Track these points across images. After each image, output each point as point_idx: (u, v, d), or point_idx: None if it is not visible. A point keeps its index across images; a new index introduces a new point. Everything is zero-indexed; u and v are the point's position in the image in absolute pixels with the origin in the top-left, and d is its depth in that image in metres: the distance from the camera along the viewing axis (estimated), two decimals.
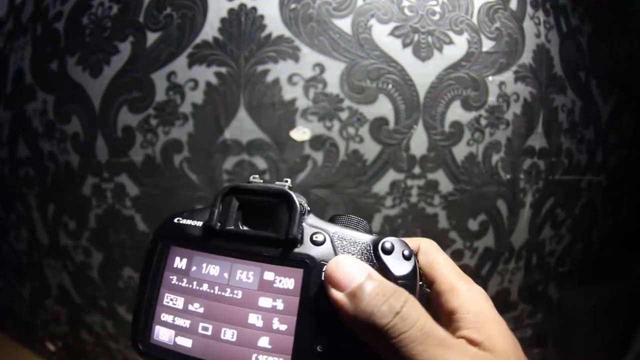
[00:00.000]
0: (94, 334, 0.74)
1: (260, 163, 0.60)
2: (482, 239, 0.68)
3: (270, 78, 0.59)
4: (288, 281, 0.20)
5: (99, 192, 0.65)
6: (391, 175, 0.62)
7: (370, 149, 0.61)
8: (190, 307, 0.21)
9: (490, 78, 0.64)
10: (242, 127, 0.60)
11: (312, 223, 0.21)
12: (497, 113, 0.65)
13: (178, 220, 0.23)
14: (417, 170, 0.62)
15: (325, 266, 0.20)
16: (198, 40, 0.60)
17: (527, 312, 0.78)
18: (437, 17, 0.62)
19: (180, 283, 0.22)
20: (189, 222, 0.22)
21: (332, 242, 0.21)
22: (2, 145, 0.76)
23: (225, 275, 0.21)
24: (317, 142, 0.60)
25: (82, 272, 0.69)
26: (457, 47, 0.62)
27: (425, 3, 0.62)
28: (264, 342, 0.20)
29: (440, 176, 0.63)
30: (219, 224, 0.21)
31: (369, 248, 0.21)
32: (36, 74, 0.70)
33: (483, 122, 0.64)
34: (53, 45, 0.68)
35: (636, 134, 0.84)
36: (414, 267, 0.20)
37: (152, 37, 0.61)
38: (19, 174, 0.73)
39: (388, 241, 0.20)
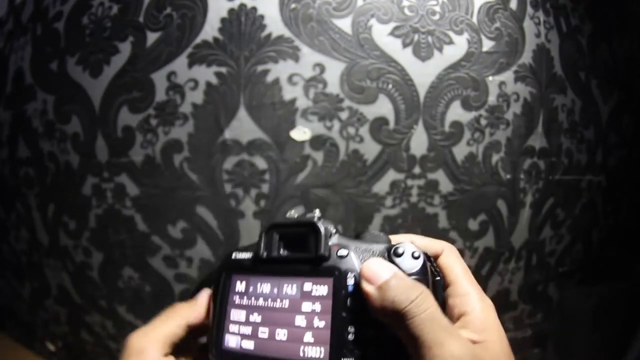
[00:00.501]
0: (94, 334, 0.74)
1: (261, 163, 0.60)
2: (482, 239, 0.68)
3: (270, 78, 0.59)
4: (322, 288, 0.26)
5: (99, 192, 0.65)
6: (391, 175, 0.62)
7: (370, 149, 0.61)
8: (250, 318, 0.27)
9: (490, 78, 0.64)
10: (242, 127, 0.60)
11: (337, 242, 0.27)
12: (497, 113, 0.65)
13: (235, 255, 0.29)
14: (417, 170, 0.62)
15: (349, 273, 0.25)
16: (198, 40, 0.60)
17: (527, 312, 0.78)
18: (437, 17, 0.62)
19: (242, 301, 0.28)
20: (243, 255, 0.29)
21: (353, 254, 0.26)
22: (2, 145, 0.76)
23: (275, 290, 0.27)
24: (317, 142, 0.60)
25: (82, 272, 0.69)
26: (457, 47, 0.62)
27: (425, 3, 0.62)
28: (308, 337, 0.25)
29: (440, 176, 0.64)
30: (265, 252, 0.28)
31: (384, 254, 0.26)
32: (36, 74, 0.70)
33: (483, 122, 0.64)
34: (53, 45, 0.68)
35: (636, 134, 0.84)
36: (423, 265, 0.25)
37: (152, 37, 0.61)
38: (19, 174, 0.73)
39: (399, 247, 0.26)
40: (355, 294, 0.25)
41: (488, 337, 0.24)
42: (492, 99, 0.65)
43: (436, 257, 0.28)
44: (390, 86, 0.61)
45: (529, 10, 0.68)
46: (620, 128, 0.81)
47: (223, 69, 0.59)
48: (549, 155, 0.71)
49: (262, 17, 0.59)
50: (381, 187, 0.62)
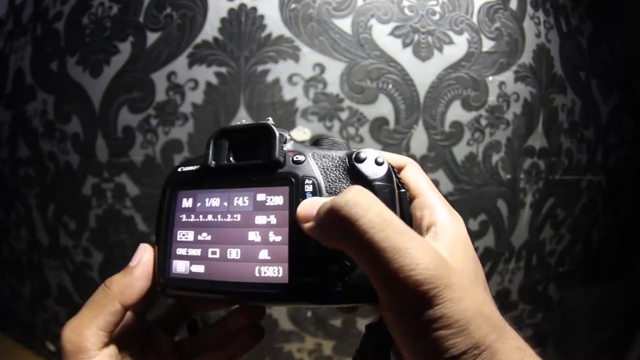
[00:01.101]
0: None
1: None
2: (482, 239, 0.68)
3: (270, 78, 0.59)
4: (277, 198, 0.23)
5: (99, 192, 0.65)
6: None
7: None
8: (199, 237, 0.24)
9: (490, 78, 0.64)
10: None
11: (292, 148, 0.24)
12: (497, 113, 0.65)
13: (181, 169, 0.26)
14: None
15: (306, 180, 0.23)
16: (198, 40, 0.60)
17: (527, 312, 0.78)
18: (437, 17, 0.62)
19: (189, 219, 0.25)
20: (189, 167, 0.26)
21: (311, 160, 0.23)
22: (2, 145, 0.76)
23: (225, 204, 0.24)
24: None
25: (82, 272, 0.69)
26: (457, 47, 0.62)
27: (425, 3, 0.62)
28: (263, 254, 0.22)
29: (440, 176, 0.63)
30: (213, 162, 0.25)
31: (344, 160, 0.23)
32: (36, 74, 0.70)
33: (483, 122, 0.64)
34: (53, 45, 0.68)
35: (636, 134, 0.84)
36: (388, 171, 0.22)
37: (152, 37, 0.61)
38: (19, 174, 0.73)
39: (361, 152, 0.23)
40: None
41: (458, 248, 0.21)
42: (492, 99, 0.65)
43: (399, 171, 0.25)
44: (390, 86, 0.61)
45: (529, 10, 0.68)
46: (620, 128, 0.81)
47: (223, 69, 0.59)
48: (549, 155, 0.71)
49: (262, 17, 0.59)
50: None
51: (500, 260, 0.71)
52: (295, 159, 0.23)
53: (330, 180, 0.23)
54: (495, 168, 0.66)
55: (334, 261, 0.21)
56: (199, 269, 0.24)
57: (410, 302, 0.17)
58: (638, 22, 0.84)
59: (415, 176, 0.25)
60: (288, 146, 0.24)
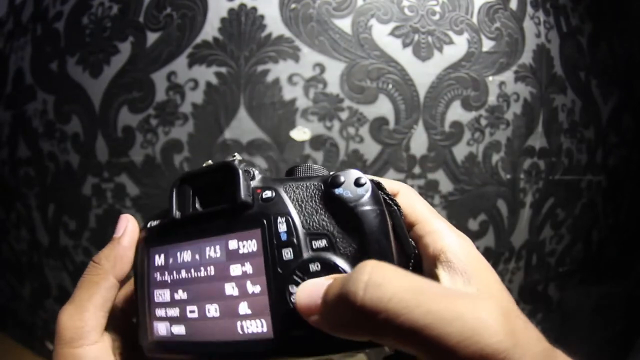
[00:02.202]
0: None
1: (261, 163, 0.60)
2: (482, 239, 0.68)
3: (270, 78, 0.59)
4: (251, 244, 0.20)
5: (99, 192, 0.65)
6: (391, 175, 0.62)
7: (370, 149, 0.61)
8: (175, 296, 0.22)
9: (490, 78, 0.64)
10: (242, 127, 0.60)
11: (261, 184, 0.21)
12: (497, 113, 0.65)
13: (150, 224, 0.24)
14: (417, 170, 0.62)
15: (279, 218, 0.20)
16: (198, 40, 0.60)
17: (527, 312, 0.78)
18: (437, 17, 0.62)
19: (163, 277, 0.23)
20: (157, 221, 0.24)
21: (283, 194, 0.21)
22: (2, 145, 0.76)
23: (197, 256, 0.22)
24: (317, 142, 0.60)
25: (82, 272, 0.69)
26: (457, 47, 0.62)
27: (425, 3, 0.62)
28: (243, 308, 0.20)
29: (440, 176, 0.63)
30: (178, 212, 0.22)
31: (320, 186, 0.20)
32: (36, 74, 0.70)
33: (483, 122, 0.64)
34: (53, 45, 0.68)
35: (636, 134, 0.84)
36: (372, 191, 0.20)
37: (152, 37, 0.61)
38: (19, 174, 0.73)
39: (338, 175, 0.20)
40: (289, 243, 0.20)
41: (482, 278, 0.18)
42: (492, 99, 0.65)
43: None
44: (390, 86, 0.61)
45: (529, 10, 0.68)
46: (620, 128, 0.81)
47: (223, 69, 0.59)
48: (549, 155, 0.71)
49: (262, 17, 0.59)
50: None
51: (500, 260, 0.71)
52: (264, 196, 0.21)
53: (306, 214, 0.20)
54: (495, 168, 0.66)
55: None
56: (179, 329, 0.22)
57: None
58: (638, 22, 0.84)
59: (411, 202, 0.22)
60: (256, 182, 0.21)
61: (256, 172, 0.22)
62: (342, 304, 0.16)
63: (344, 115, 0.60)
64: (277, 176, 0.60)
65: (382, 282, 0.15)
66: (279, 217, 0.20)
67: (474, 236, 0.68)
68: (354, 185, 0.20)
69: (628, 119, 0.82)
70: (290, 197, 0.21)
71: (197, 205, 0.23)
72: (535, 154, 0.70)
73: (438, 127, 0.62)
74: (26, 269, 0.79)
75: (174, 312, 0.22)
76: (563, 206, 0.75)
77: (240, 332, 0.20)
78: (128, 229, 0.24)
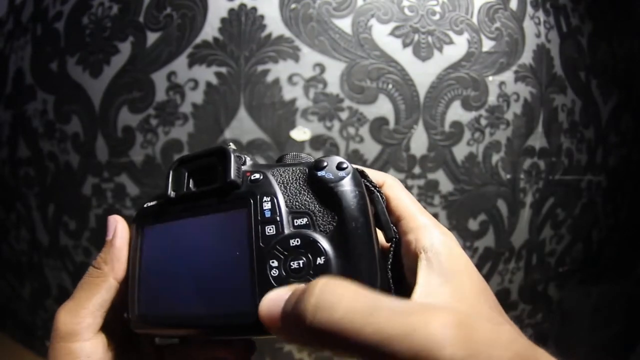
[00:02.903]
0: None
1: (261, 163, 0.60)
2: (482, 239, 0.68)
3: (270, 78, 0.59)
4: (237, 221, 0.22)
5: (99, 192, 0.65)
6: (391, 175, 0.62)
7: (370, 149, 0.61)
8: (163, 271, 0.23)
9: (491, 78, 0.64)
10: (242, 127, 0.60)
11: (251, 168, 0.23)
12: (497, 113, 0.65)
13: (146, 204, 0.25)
14: (417, 170, 0.62)
15: (264, 198, 0.21)
16: (198, 40, 0.60)
17: (527, 312, 0.78)
18: (437, 17, 0.62)
19: (155, 253, 0.24)
20: (153, 202, 0.25)
21: (270, 177, 0.22)
22: (2, 145, 0.76)
23: (187, 233, 0.23)
24: (317, 142, 0.60)
25: (82, 272, 0.69)
26: (457, 47, 0.62)
27: (425, 3, 0.62)
28: (228, 283, 0.21)
29: (440, 176, 0.63)
30: (173, 192, 0.24)
31: (304, 170, 0.22)
32: (36, 74, 0.70)
33: (483, 122, 0.64)
34: (53, 45, 0.68)
35: (636, 134, 0.84)
36: (353, 175, 0.21)
37: (152, 37, 0.61)
38: (19, 174, 0.73)
39: (322, 160, 0.21)
40: (272, 220, 0.21)
41: (453, 281, 0.18)
42: (492, 99, 0.65)
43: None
44: (390, 86, 0.61)
45: (529, 10, 0.68)
46: (620, 128, 0.81)
47: (223, 69, 0.59)
48: (549, 155, 0.71)
49: (262, 17, 0.59)
50: None
51: (500, 260, 0.71)
52: (253, 178, 0.22)
53: (290, 194, 0.21)
54: (495, 168, 0.66)
55: (301, 280, 0.19)
56: (166, 305, 0.23)
57: None
58: (638, 22, 0.84)
59: (397, 195, 0.22)
60: (246, 167, 0.23)
61: (247, 159, 0.24)
62: (294, 322, 0.16)
63: (344, 115, 0.60)
64: None
65: (332, 302, 0.15)
66: (265, 197, 0.21)
67: (474, 236, 0.68)
68: (336, 169, 0.21)
69: (628, 119, 0.82)
70: (276, 180, 0.22)
71: (191, 186, 0.24)
72: (535, 154, 0.70)
73: (438, 127, 0.62)
74: (26, 269, 0.79)
75: (163, 285, 0.23)
76: (563, 206, 0.75)
77: (227, 306, 0.21)
78: (118, 229, 0.25)
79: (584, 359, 0.80)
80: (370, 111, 0.60)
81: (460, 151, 0.64)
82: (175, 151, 0.61)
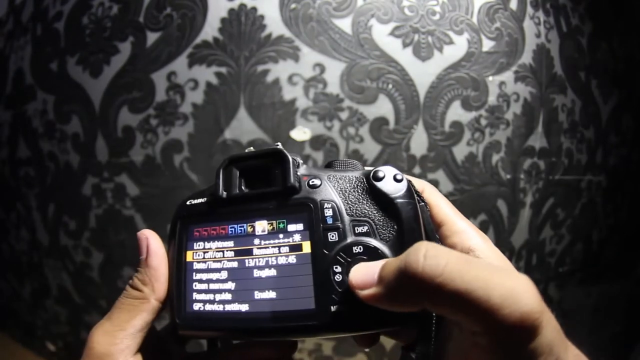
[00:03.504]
0: None
1: None
2: None
3: (270, 78, 0.59)
4: (298, 225, 0.22)
5: (99, 192, 0.65)
6: None
7: (370, 149, 0.61)
8: (217, 272, 0.23)
9: (490, 78, 0.64)
10: (242, 127, 0.60)
11: (307, 172, 0.23)
12: (497, 113, 0.65)
13: (190, 201, 0.25)
14: (417, 170, 0.62)
15: (325, 204, 0.22)
16: (198, 40, 0.60)
17: None
18: (437, 17, 0.62)
19: (205, 254, 0.24)
20: (199, 200, 0.25)
21: (328, 183, 0.23)
22: (2, 145, 0.76)
23: (243, 234, 0.23)
24: (317, 142, 0.60)
25: (82, 272, 0.69)
26: (457, 47, 0.62)
27: (425, 3, 0.62)
28: (288, 285, 0.22)
29: (440, 176, 0.63)
30: (224, 192, 0.24)
31: (362, 180, 0.23)
32: (36, 74, 0.70)
33: (483, 122, 0.64)
34: (53, 45, 0.68)
35: (636, 134, 0.84)
36: (408, 187, 0.22)
37: (152, 37, 0.61)
38: (19, 174, 0.73)
39: (379, 170, 0.23)
40: (335, 227, 0.21)
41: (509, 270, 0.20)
42: (492, 99, 0.65)
43: None
44: (390, 86, 0.61)
45: (529, 10, 0.68)
46: (620, 128, 0.81)
47: (223, 69, 0.59)
48: (549, 155, 0.71)
49: (262, 17, 0.59)
50: None
51: None
52: (311, 183, 0.23)
53: (350, 203, 0.22)
54: (495, 168, 0.67)
55: None
56: (218, 306, 0.23)
57: (516, 337, 0.17)
58: (638, 22, 0.84)
59: (437, 202, 0.24)
60: (302, 170, 0.23)
61: (300, 162, 0.24)
62: (403, 274, 0.18)
63: (344, 115, 0.60)
64: None
65: (437, 254, 0.17)
66: (326, 203, 0.22)
67: None
68: (393, 181, 0.22)
69: (628, 119, 0.82)
70: (334, 186, 0.23)
71: (243, 187, 0.24)
72: (535, 154, 0.70)
73: (438, 127, 0.62)
74: (26, 269, 0.79)
75: (213, 287, 0.23)
76: (563, 206, 0.75)
77: (282, 309, 0.21)
78: (151, 247, 0.24)
79: None
80: (370, 111, 0.60)
81: (460, 151, 0.64)
82: (175, 151, 0.61)
